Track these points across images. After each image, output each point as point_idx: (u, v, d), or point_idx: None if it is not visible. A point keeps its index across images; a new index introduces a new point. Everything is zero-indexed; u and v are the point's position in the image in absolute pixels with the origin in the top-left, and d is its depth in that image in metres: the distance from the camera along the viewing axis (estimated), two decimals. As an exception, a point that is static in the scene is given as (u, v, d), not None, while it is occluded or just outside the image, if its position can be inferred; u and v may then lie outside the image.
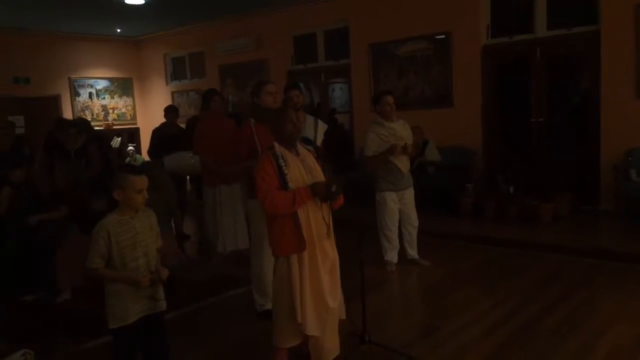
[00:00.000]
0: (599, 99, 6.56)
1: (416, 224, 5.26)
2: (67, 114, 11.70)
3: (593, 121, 6.68)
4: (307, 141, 3.29)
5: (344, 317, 3.31)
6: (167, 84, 12.70)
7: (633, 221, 5.98)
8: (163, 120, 7.24)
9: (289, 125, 3.12)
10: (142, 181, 2.60)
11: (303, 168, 3.11)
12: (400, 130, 5.04)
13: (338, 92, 10.47)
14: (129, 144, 11.73)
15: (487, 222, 6.54)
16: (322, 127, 4.78)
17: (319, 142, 4.66)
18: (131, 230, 2.54)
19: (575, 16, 6.86)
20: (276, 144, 3.12)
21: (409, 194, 5.18)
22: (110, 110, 12.62)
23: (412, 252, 5.33)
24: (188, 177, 7.55)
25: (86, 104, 12.18)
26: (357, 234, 3.39)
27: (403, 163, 5.04)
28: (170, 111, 6.86)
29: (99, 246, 2.47)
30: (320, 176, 3.16)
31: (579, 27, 6.80)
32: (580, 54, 7.06)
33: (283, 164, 3.04)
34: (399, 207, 5.17)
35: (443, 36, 7.83)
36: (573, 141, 7.11)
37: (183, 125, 7.43)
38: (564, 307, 4.11)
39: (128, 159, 11.20)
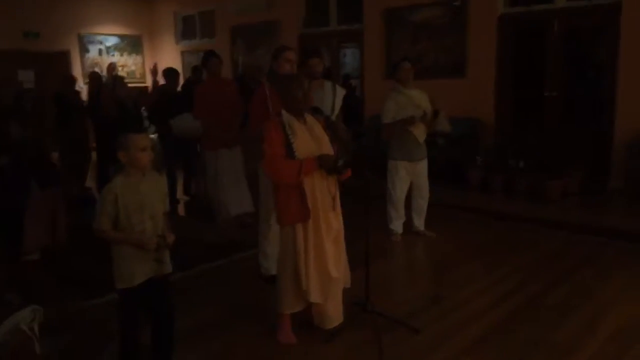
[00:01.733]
0: (616, 75, 6.42)
1: (427, 196, 5.24)
2: (77, 70, 11.66)
3: (609, 98, 6.55)
4: (316, 110, 3.23)
5: (349, 285, 3.33)
6: (177, 43, 12.55)
7: (643, 200, 5.93)
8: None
9: (299, 93, 3.07)
10: (145, 139, 2.57)
11: (311, 137, 3.09)
12: (418, 97, 4.98)
13: (349, 57, 10.31)
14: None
15: (495, 196, 6.49)
16: (341, 92, 4.71)
17: (337, 107, 4.60)
18: (138, 193, 2.53)
19: (597, -13, 6.66)
20: (284, 112, 3.08)
21: (423, 165, 5.14)
22: (120, 68, 12.51)
23: (419, 224, 5.32)
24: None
25: (95, 61, 12.09)
26: (364, 203, 3.36)
27: (420, 132, 4.99)
28: (170, 74, 6.76)
29: (106, 208, 2.47)
30: (327, 146, 3.14)
31: (600, -1, 6.62)
32: (599, 27, 6.87)
33: (290, 132, 3.01)
34: (412, 178, 5.14)
35: (459, 3, 7.64)
36: (587, 117, 7.00)
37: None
38: (568, 284, 4.11)
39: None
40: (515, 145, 6.88)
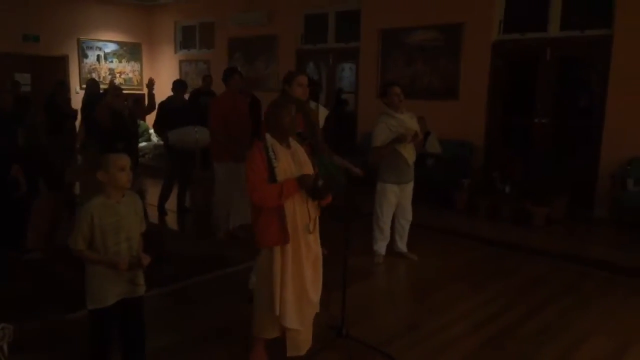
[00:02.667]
0: (605, 105, 6.50)
1: (410, 218, 5.28)
2: (74, 76, 11.71)
3: (596, 127, 6.64)
4: (300, 136, 3.27)
5: (318, 310, 3.34)
6: (175, 52, 12.63)
7: (626, 230, 5.98)
8: (169, 88, 7.20)
9: (287, 119, 3.11)
10: (123, 159, 2.60)
11: (293, 162, 3.12)
12: (409, 121, 5.00)
13: (347, 72, 10.37)
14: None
15: (480, 220, 6.54)
16: (324, 112, 4.78)
17: (320, 126, 4.67)
18: (116, 214, 2.56)
19: (589, 18, 6.76)
20: (268, 136, 3.12)
21: (410, 187, 5.18)
22: (118, 75, 12.59)
23: (402, 246, 5.36)
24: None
25: (93, 67, 12.14)
26: (344, 225, 3.39)
27: (410, 154, 5.01)
28: (178, 86, 6.86)
29: (82, 228, 2.49)
30: (309, 170, 3.16)
31: (592, 29, 6.71)
32: (590, 58, 6.97)
33: (273, 156, 3.04)
34: (398, 200, 5.17)
35: (454, 27, 7.73)
36: (574, 145, 7.08)
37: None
38: (546, 313, 4.15)
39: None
40: (503, 170, 6.94)
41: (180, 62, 12.51)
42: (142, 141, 11.21)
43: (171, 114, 6.60)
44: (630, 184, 6.04)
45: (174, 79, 7.69)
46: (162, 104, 6.91)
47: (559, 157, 6.93)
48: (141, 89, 12.84)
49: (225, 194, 5.77)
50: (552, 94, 7.11)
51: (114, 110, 5.47)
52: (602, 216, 6.46)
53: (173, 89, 6.91)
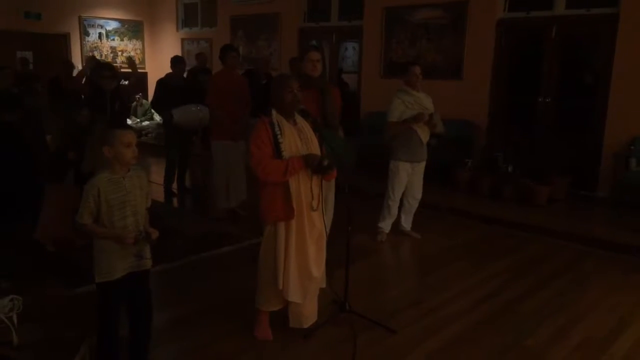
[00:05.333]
0: (609, 85, 6.47)
1: (419, 197, 5.30)
2: (76, 54, 11.65)
3: (601, 107, 6.61)
4: (304, 112, 3.28)
5: (324, 285, 3.40)
6: (177, 30, 12.54)
7: (627, 210, 6.00)
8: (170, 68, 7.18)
9: (289, 95, 3.13)
10: (129, 135, 2.60)
11: (299, 138, 3.14)
12: (425, 100, 5.05)
13: (351, 51, 10.32)
14: (136, 89, 11.66)
15: (482, 199, 6.56)
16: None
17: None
18: (121, 189, 2.58)
19: (596, -4, 6.70)
20: (274, 112, 3.14)
21: (422, 166, 5.21)
22: (119, 53, 12.52)
23: (406, 224, 5.39)
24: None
25: (95, 45, 12.08)
26: (347, 202, 3.42)
27: (424, 133, 5.06)
28: (177, 62, 6.81)
29: (88, 203, 2.51)
30: (316, 148, 3.19)
31: (598, 8, 6.64)
32: (596, 36, 6.91)
33: (279, 132, 3.07)
34: (409, 178, 5.19)
35: (459, 5, 7.66)
36: (578, 125, 7.05)
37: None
38: (546, 291, 4.19)
39: (134, 103, 11.20)
40: (506, 149, 6.94)
41: (182, 40, 12.43)
42: (144, 120, 11.22)
43: (172, 92, 6.55)
44: (633, 164, 6.04)
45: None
46: (161, 81, 6.85)
47: (563, 137, 6.92)
48: (143, 68, 12.80)
49: (224, 173, 5.76)
50: (556, 73, 7.07)
51: (97, 86, 5.42)
52: (604, 196, 6.47)
53: (172, 66, 6.86)
